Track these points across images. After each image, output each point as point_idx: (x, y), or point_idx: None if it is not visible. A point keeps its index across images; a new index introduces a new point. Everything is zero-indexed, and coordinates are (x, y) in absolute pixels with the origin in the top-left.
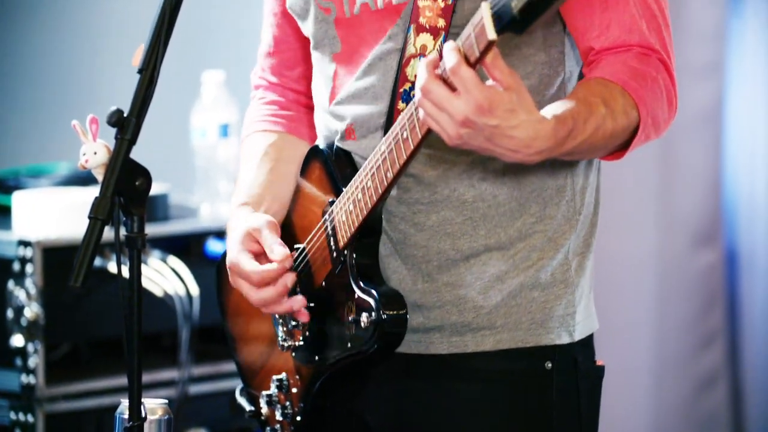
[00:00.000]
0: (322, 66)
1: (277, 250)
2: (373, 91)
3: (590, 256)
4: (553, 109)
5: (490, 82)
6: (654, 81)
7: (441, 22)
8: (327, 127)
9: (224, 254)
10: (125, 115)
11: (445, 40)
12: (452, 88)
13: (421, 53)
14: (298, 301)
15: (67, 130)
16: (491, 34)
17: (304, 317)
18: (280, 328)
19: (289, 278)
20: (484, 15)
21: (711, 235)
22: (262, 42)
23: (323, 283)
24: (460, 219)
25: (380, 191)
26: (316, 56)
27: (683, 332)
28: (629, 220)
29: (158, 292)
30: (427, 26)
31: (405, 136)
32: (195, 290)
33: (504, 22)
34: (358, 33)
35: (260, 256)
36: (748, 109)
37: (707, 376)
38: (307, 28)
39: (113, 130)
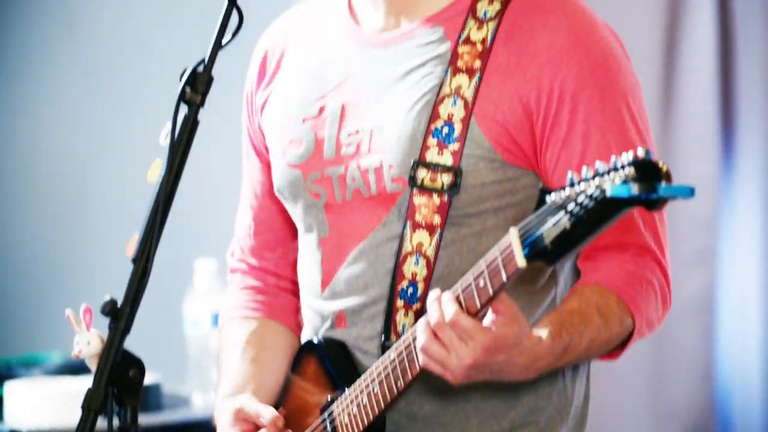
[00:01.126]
0: (309, 251)
1: (265, 413)
2: (365, 279)
3: None
4: (550, 324)
5: (488, 318)
6: (649, 284)
7: (437, 219)
8: (316, 313)
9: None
10: (119, 305)
11: (440, 240)
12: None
13: (418, 250)
14: None
15: (60, 318)
16: (521, 262)
17: None
18: None
19: None
20: (513, 241)
21: (704, 426)
22: (241, 222)
23: None
24: (453, 409)
25: (388, 399)
26: (303, 240)
27: None
28: (621, 409)
29: None
30: (423, 223)
31: None
32: None
33: (536, 250)
34: (349, 219)
35: None
36: (741, 297)
37: None
38: (296, 212)
39: (107, 319)
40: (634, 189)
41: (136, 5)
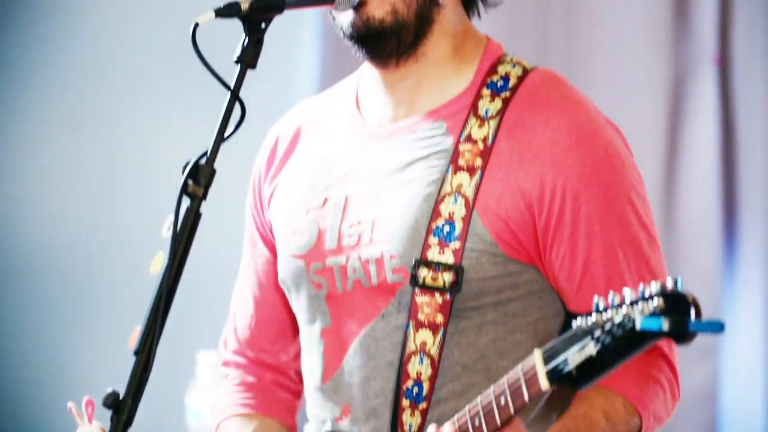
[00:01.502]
0: (312, 342)
1: None
2: (366, 372)
3: None
4: None
5: None
6: (656, 382)
7: (439, 318)
8: (320, 407)
9: None
10: (121, 397)
11: (444, 338)
12: None
13: (422, 350)
14: None
15: (62, 411)
16: (545, 384)
17: None
18: None
19: None
20: (537, 363)
21: None
22: (240, 312)
23: None
24: None
25: None
26: (305, 332)
27: None
28: None
29: None
30: (426, 322)
31: None
32: None
33: (560, 374)
34: (349, 309)
35: None
36: (744, 390)
37: None
38: (299, 303)
39: (109, 411)
40: (665, 325)
41: (142, 93)
